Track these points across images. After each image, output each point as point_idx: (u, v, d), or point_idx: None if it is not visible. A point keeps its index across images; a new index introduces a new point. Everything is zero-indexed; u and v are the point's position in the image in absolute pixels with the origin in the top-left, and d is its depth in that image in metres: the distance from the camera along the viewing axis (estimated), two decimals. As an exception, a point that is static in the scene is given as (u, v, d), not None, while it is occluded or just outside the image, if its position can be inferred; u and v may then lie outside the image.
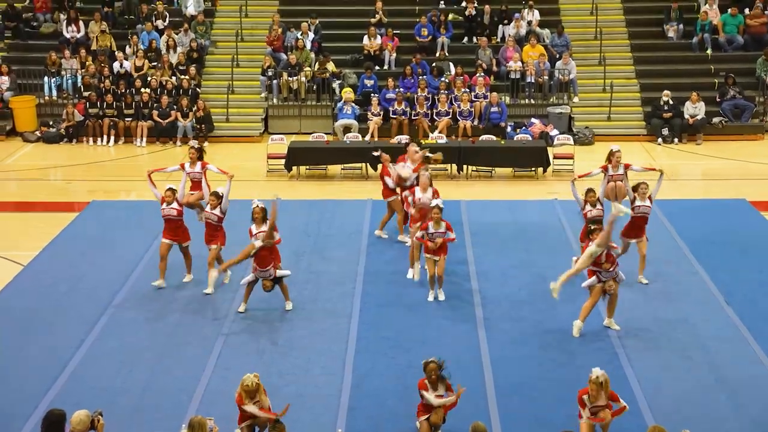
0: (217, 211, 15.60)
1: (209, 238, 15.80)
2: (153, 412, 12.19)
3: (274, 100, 27.30)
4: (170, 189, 15.70)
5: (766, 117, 26.70)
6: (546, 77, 27.04)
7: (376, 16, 28.66)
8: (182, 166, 16.52)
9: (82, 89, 27.07)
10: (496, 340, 14.14)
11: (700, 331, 14.30)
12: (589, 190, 15.75)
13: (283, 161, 23.19)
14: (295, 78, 27.14)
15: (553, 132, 25.30)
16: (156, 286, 15.76)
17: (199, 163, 16.47)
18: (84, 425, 9.39)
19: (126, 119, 26.27)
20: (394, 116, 25.81)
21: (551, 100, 27.00)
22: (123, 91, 26.66)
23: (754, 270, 16.62)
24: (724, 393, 12.67)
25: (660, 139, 25.84)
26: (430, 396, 11.11)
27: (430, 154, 17.71)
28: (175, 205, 15.67)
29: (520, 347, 13.97)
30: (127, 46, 28.00)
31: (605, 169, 16.23)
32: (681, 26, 28.75)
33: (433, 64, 27.34)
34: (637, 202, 15.59)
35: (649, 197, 15.66)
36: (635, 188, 15.70)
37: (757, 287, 15.84)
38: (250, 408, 10.70)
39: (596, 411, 10.91)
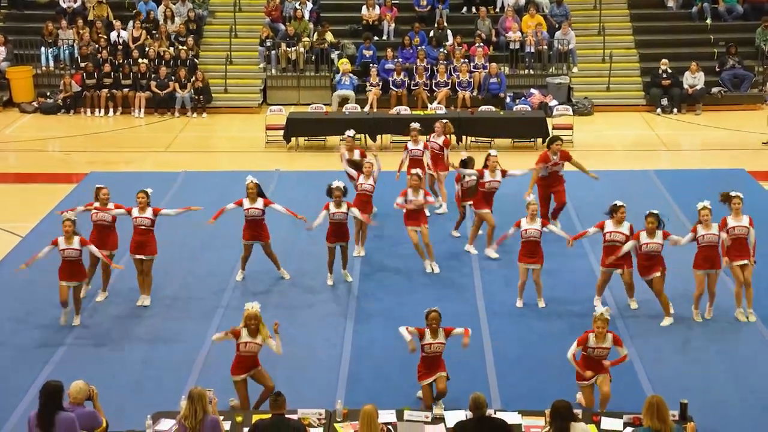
0: (149, 214, 14.35)
1: (140, 247, 14.34)
2: (153, 384, 12.24)
3: (273, 71, 27.21)
4: (69, 220, 13.63)
5: (765, 87, 26.65)
6: (545, 47, 26.93)
7: (375, -15, 28.54)
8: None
9: (79, 60, 26.96)
10: (496, 312, 14.18)
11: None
12: (650, 215, 13.54)
13: (281, 132, 23.14)
14: (293, 48, 27.03)
15: (552, 102, 25.25)
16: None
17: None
18: (84, 394, 9.54)
19: (123, 90, 26.18)
20: (393, 87, 25.73)
21: (550, 70, 26.92)
22: (120, 61, 26.55)
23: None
24: (724, 364, 12.71)
25: (659, 110, 25.80)
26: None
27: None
28: (76, 243, 13.60)
29: (519, 320, 14.01)
30: (131, 21, 27.69)
31: (695, 231, 13.73)
32: (681, -5, 28.67)
33: (431, 34, 27.21)
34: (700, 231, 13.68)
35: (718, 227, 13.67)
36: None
37: (757, 258, 15.83)
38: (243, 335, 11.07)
39: (600, 353, 11.00)
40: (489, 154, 16.30)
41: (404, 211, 15.57)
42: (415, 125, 17.86)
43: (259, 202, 14.78)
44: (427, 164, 17.57)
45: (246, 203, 14.75)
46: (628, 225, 13.81)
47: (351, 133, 17.76)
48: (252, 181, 14.75)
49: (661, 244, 13.53)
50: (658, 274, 13.61)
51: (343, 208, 14.76)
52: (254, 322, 11.09)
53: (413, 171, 15.93)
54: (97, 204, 14.61)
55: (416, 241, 15.51)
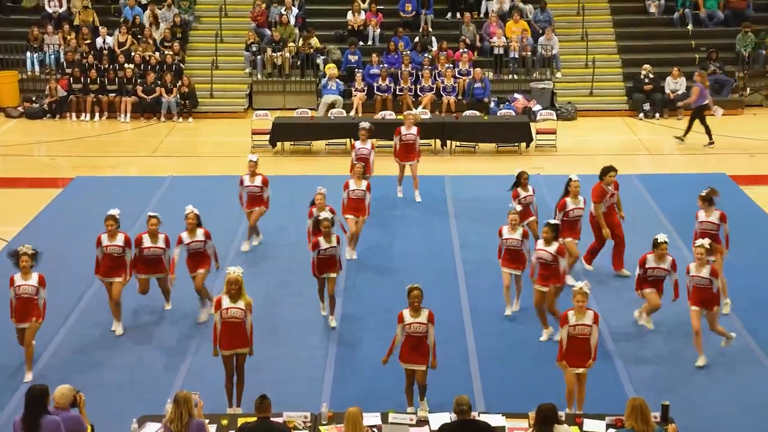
0: (120, 242, 13.65)
1: (112, 270, 13.69)
2: (139, 387, 12.29)
3: (259, 76, 27.28)
4: (26, 255, 12.59)
5: (745, 92, 26.87)
6: (529, 53, 27.09)
7: (360, -10, 28.62)
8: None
9: (65, 65, 26.96)
10: (480, 312, 14.30)
11: (681, 304, 14.40)
12: (546, 224, 13.22)
13: (267, 137, 23.22)
14: (279, 53, 27.11)
15: (536, 107, 25.40)
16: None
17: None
18: (67, 399, 9.47)
19: (109, 95, 26.20)
20: (378, 92, 25.85)
21: (534, 75, 27.08)
22: (106, 66, 26.56)
23: (734, 244, 16.74)
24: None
25: (641, 114, 25.99)
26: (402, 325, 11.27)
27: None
28: (33, 280, 12.61)
29: (504, 323, 14.10)
30: (117, 31, 27.63)
31: (687, 271, 12.87)
32: (662, 1, 28.86)
33: (416, 40, 27.34)
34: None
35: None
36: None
37: (737, 260, 15.99)
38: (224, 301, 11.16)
39: (582, 330, 10.96)
40: (570, 179, 14.86)
41: (343, 202, 16.01)
42: (365, 125, 18.52)
43: (200, 234, 13.73)
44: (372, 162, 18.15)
45: (185, 237, 13.75)
46: (670, 260, 13.15)
47: (254, 157, 16.59)
48: (192, 212, 13.75)
49: (553, 255, 13.00)
50: (552, 287, 13.12)
51: (334, 242, 13.70)
52: (235, 287, 11.14)
53: (356, 162, 16.57)
54: (147, 237, 13.83)
55: (354, 231, 15.93)
